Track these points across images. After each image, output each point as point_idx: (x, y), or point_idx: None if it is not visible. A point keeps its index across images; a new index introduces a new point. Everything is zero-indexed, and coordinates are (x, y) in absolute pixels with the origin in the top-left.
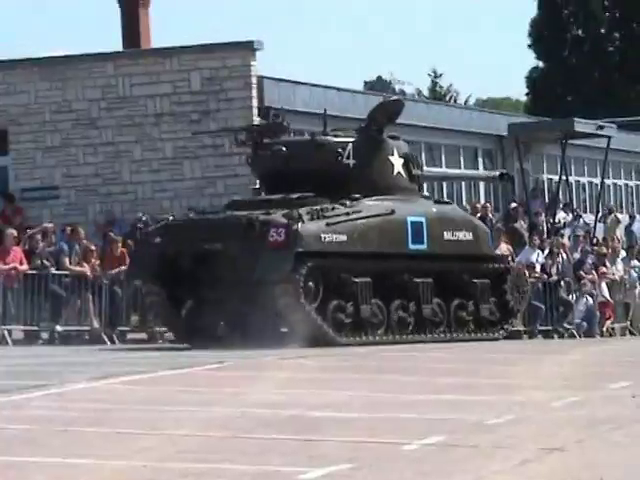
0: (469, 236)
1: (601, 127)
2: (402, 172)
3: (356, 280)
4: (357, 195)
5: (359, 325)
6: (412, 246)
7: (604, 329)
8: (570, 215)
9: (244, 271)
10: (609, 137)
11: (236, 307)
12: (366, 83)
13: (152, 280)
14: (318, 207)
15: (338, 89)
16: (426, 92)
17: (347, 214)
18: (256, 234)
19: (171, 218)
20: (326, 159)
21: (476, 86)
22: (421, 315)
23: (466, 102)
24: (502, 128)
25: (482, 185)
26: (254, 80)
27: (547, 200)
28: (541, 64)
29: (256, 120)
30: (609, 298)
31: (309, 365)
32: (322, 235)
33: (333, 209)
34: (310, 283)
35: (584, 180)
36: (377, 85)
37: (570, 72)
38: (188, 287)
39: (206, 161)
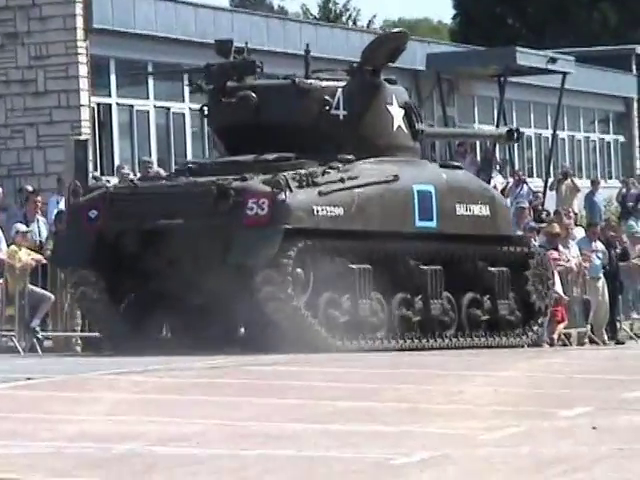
0: (485, 211)
1: (553, 60)
2: (403, 127)
3: (353, 267)
4: (349, 156)
5: (355, 325)
6: (419, 223)
7: (555, 335)
8: (510, 180)
9: (212, 254)
10: (564, 73)
11: (196, 301)
12: None
13: (85, 266)
14: (305, 171)
15: (195, 5)
16: (315, 11)
17: (342, 180)
18: (229, 206)
19: (110, 185)
20: (310, 109)
21: (383, 3)
22: (429, 313)
23: (369, 25)
24: (418, 60)
25: None
26: None
27: (479, 159)
28: None
29: (81, 46)
30: (562, 294)
31: (150, 383)
32: (314, 207)
33: (324, 174)
34: (298, 270)
35: (530, 132)
36: (248, 1)
37: None
38: (131, 276)
39: (11, 102)
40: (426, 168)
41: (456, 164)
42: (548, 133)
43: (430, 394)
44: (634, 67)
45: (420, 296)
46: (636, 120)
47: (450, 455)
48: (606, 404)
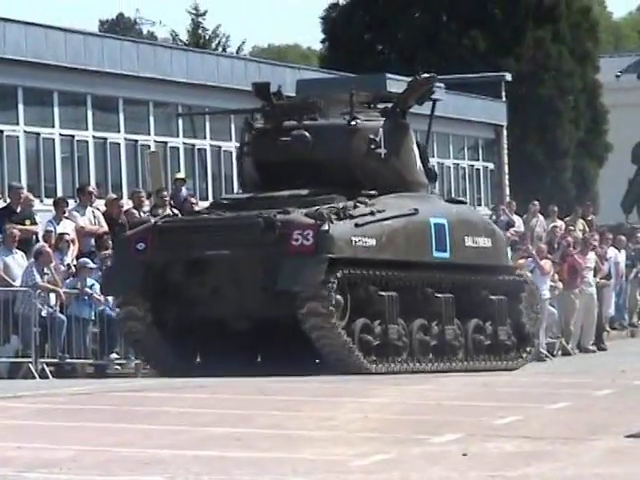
0: (488, 243)
1: None
2: (420, 164)
3: (383, 294)
4: (372, 192)
5: (384, 349)
6: (436, 254)
7: None
8: None
9: (256, 283)
10: (434, 100)
11: (239, 328)
12: (103, 23)
13: (134, 300)
14: (339, 205)
15: (65, 30)
16: (184, 36)
17: (372, 213)
18: (276, 237)
19: (153, 220)
20: (360, 148)
21: (252, 29)
22: (443, 338)
23: (238, 50)
24: (289, 86)
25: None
26: None
27: None
28: (342, 0)
29: None
30: None
31: (19, 409)
32: (352, 238)
33: (355, 207)
34: (338, 296)
35: None
36: (117, 25)
37: (381, 12)
38: (176, 303)
39: None
40: (437, 203)
41: (460, 199)
42: None
43: (301, 420)
44: (504, 94)
45: (436, 322)
46: (505, 147)
47: None
48: (476, 430)
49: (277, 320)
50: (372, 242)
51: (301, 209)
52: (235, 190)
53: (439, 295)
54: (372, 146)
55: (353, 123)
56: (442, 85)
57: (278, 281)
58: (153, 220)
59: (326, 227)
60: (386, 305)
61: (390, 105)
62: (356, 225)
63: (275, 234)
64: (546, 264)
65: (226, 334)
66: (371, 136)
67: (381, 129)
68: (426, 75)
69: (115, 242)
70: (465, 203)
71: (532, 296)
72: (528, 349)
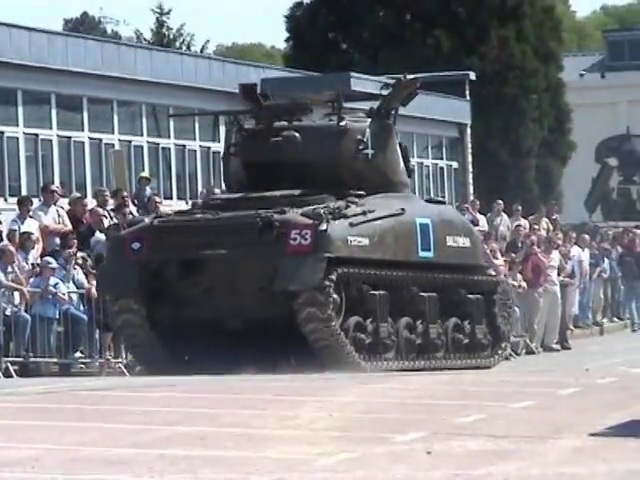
0: (467, 242)
1: (387, 85)
2: (402, 164)
3: (375, 293)
4: (360, 192)
5: (375, 347)
6: (421, 253)
7: None
8: None
9: (253, 282)
10: None
11: (233, 327)
12: (67, 22)
13: (129, 299)
14: (332, 205)
15: (29, 29)
16: (149, 35)
17: (364, 213)
18: (273, 237)
19: (147, 220)
20: (348, 148)
21: (216, 28)
22: (428, 336)
23: (202, 49)
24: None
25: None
26: None
27: None
28: None
29: None
30: None
31: None
32: (348, 238)
33: (347, 207)
34: (335, 295)
35: None
36: (81, 24)
37: (346, 11)
38: (169, 303)
39: None
40: (420, 203)
41: (440, 199)
42: None
43: (265, 419)
44: (468, 93)
45: (420, 320)
46: (469, 146)
47: None
48: (441, 429)
49: (272, 321)
50: (366, 241)
51: (295, 209)
52: (199, 189)
53: (424, 294)
54: (360, 147)
55: (342, 124)
56: None
57: (276, 281)
58: (148, 220)
59: (324, 227)
60: (377, 304)
61: (375, 106)
62: (351, 225)
63: (273, 234)
64: (500, 263)
65: (219, 334)
66: (359, 137)
67: (368, 130)
68: (411, 76)
69: (110, 241)
70: (444, 203)
71: (505, 295)
72: (502, 347)
